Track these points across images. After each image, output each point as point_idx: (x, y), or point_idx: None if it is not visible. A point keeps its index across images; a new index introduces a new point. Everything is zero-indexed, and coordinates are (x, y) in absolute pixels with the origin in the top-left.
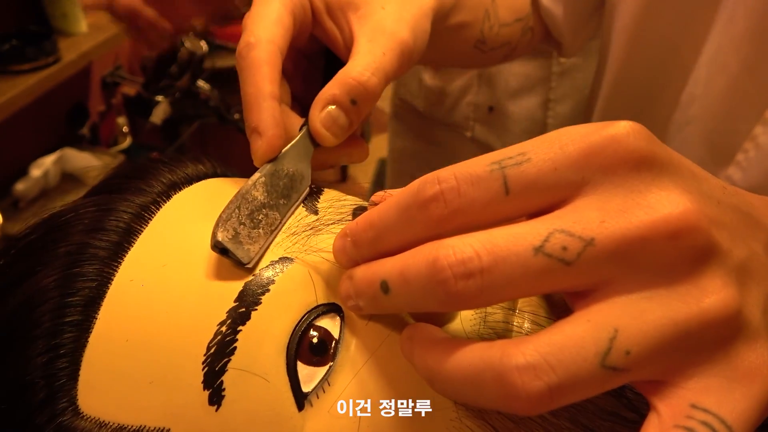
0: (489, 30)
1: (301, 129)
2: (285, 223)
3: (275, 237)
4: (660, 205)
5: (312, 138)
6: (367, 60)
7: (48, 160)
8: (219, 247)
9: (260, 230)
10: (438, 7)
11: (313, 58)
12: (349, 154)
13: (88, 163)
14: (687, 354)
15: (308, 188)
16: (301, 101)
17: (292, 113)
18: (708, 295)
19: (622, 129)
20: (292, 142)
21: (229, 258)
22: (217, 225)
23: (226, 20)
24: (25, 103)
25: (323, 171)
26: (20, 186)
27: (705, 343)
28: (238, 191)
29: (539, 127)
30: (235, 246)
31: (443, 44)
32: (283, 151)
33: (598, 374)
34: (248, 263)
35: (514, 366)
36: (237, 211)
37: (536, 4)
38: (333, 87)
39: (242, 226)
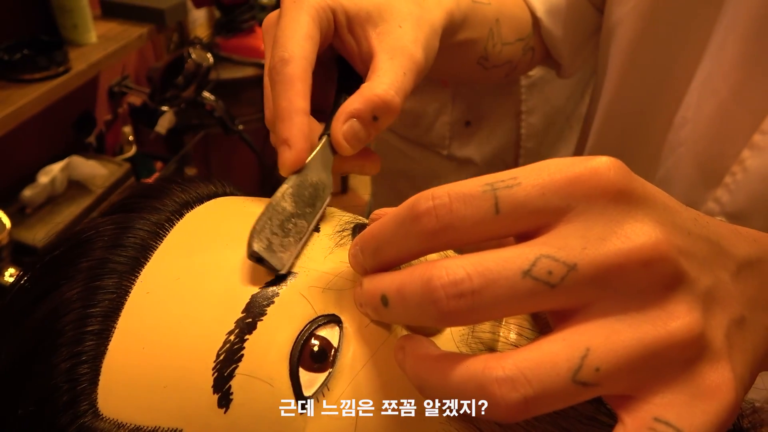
0: (492, 48)
1: (320, 138)
2: (311, 229)
3: (304, 244)
4: (635, 235)
5: (332, 147)
6: (390, 78)
7: (55, 167)
8: (255, 257)
9: (290, 238)
10: (447, 25)
11: (327, 64)
12: (361, 166)
13: (94, 170)
14: (653, 372)
15: (330, 196)
16: (313, 104)
17: (313, 120)
18: (674, 319)
19: (604, 164)
20: (314, 152)
21: (263, 265)
22: (251, 236)
23: None
24: (35, 112)
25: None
26: (28, 192)
27: (670, 363)
28: (269, 203)
29: (514, 138)
30: (270, 255)
31: (448, 59)
32: (307, 161)
33: (569, 388)
34: (281, 269)
35: (494, 378)
36: (269, 221)
37: (537, 25)
38: (356, 102)
39: (275, 235)
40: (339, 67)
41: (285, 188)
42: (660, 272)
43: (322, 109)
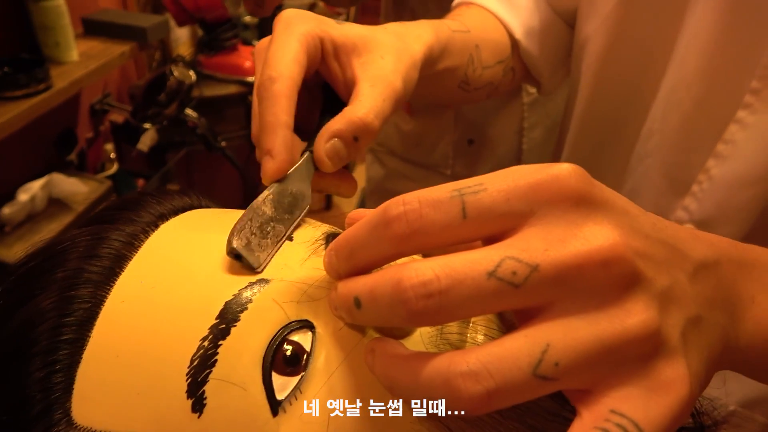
0: (473, 72)
1: (303, 154)
2: (288, 235)
3: (280, 247)
4: (594, 237)
5: (314, 163)
6: (370, 103)
7: (35, 185)
8: (234, 253)
9: (268, 240)
10: (427, 57)
11: (312, 89)
12: (338, 186)
13: (75, 188)
14: (611, 367)
15: (308, 206)
16: (298, 125)
17: (296, 137)
18: (631, 317)
19: (565, 170)
20: (296, 165)
21: (241, 263)
22: (232, 234)
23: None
24: (15, 129)
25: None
26: (7, 210)
27: (627, 358)
28: (250, 205)
29: (515, 153)
30: (248, 253)
31: (430, 85)
32: (289, 172)
33: (530, 382)
34: (258, 268)
35: (458, 372)
36: (249, 222)
37: (516, 46)
38: (339, 123)
39: (254, 236)
40: (324, 93)
41: (266, 194)
42: (617, 272)
43: (306, 129)
